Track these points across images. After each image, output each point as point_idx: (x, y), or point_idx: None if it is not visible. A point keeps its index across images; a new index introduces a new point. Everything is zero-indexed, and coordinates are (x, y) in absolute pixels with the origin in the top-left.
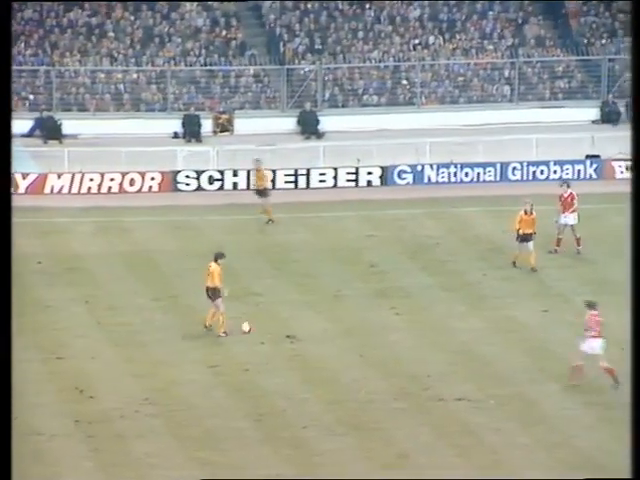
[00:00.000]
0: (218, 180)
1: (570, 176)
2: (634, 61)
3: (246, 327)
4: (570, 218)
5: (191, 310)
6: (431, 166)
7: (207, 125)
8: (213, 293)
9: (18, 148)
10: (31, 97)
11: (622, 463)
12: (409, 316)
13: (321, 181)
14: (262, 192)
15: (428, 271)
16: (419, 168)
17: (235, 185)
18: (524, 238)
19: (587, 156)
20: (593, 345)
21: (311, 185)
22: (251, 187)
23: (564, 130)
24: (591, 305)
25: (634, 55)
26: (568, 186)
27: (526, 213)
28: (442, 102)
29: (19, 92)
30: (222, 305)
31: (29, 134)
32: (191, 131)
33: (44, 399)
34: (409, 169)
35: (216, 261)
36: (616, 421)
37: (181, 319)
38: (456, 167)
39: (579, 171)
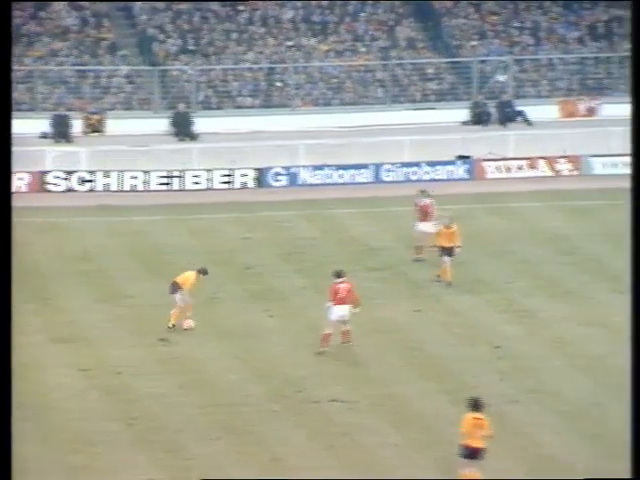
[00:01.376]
0: (89, 181)
1: (441, 177)
2: (634, 61)
3: (188, 324)
4: (428, 226)
5: (62, 312)
6: (306, 168)
7: (77, 125)
8: (174, 288)
9: None
10: None
11: (496, 460)
12: (284, 318)
13: (195, 183)
14: None
15: (303, 273)
16: (294, 170)
17: (106, 186)
18: (444, 252)
19: (458, 157)
20: (339, 312)
21: (185, 187)
22: None
23: (435, 131)
24: (338, 274)
25: (634, 55)
26: (427, 195)
27: (445, 227)
28: (316, 104)
29: None
30: (181, 301)
31: None
32: (60, 131)
33: None
34: (284, 171)
35: (198, 273)
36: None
37: (53, 322)
38: (330, 169)
39: (450, 172)
